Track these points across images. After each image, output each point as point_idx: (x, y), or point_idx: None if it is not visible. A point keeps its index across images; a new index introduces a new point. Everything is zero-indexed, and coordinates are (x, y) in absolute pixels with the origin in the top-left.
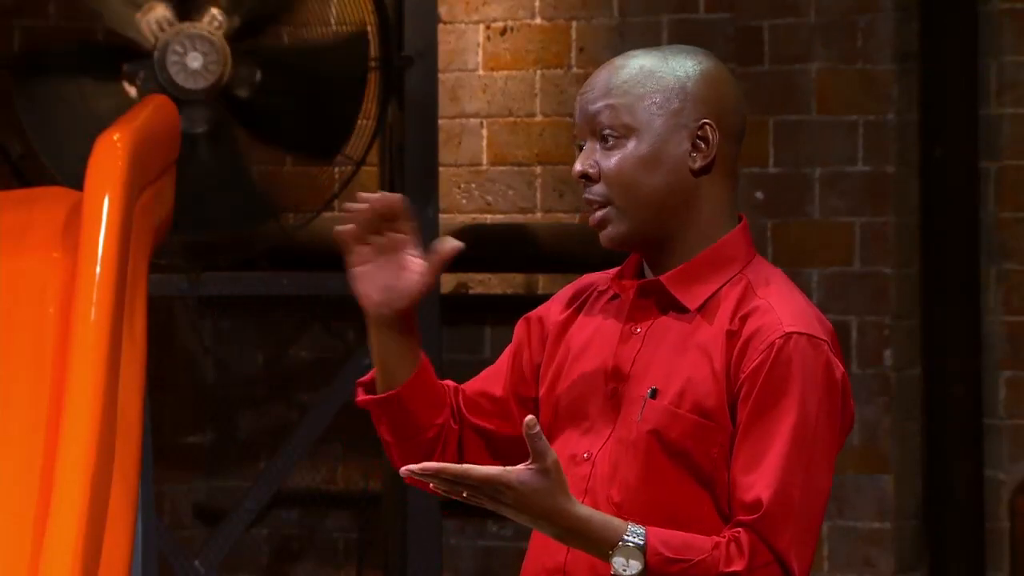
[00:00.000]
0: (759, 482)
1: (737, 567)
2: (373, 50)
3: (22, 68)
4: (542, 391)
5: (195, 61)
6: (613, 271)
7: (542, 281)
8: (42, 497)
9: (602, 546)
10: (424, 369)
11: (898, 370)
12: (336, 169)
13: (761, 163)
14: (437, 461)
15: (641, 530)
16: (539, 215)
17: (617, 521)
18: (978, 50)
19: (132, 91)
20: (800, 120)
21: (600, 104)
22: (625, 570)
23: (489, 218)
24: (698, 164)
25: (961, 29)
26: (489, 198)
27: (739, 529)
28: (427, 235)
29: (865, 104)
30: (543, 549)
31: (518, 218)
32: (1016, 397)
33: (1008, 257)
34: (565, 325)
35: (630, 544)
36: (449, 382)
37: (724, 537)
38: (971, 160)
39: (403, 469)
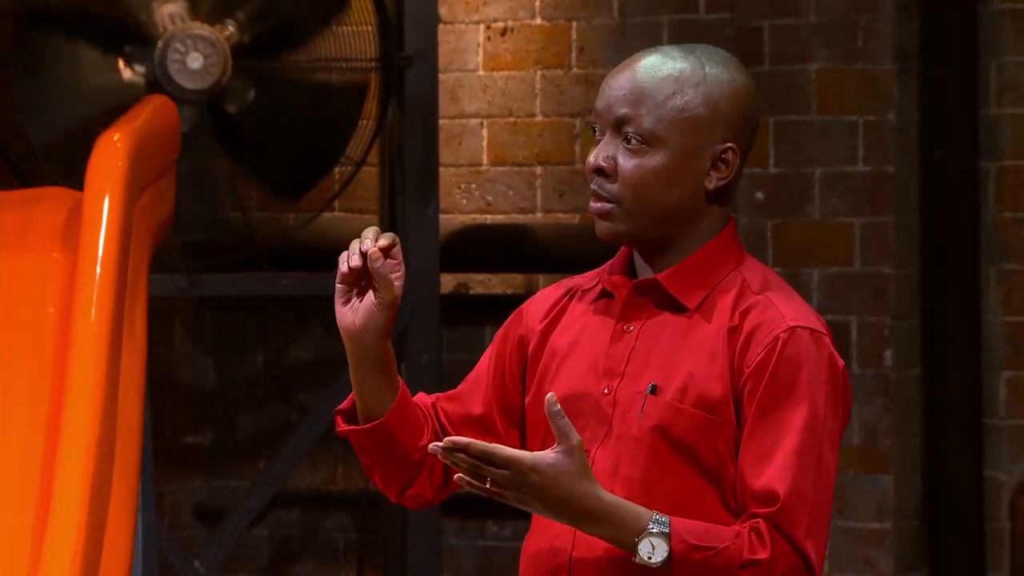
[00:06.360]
0: (773, 475)
1: (761, 555)
2: (373, 50)
3: (23, 18)
4: (528, 397)
5: (195, 62)
6: (594, 272)
7: (542, 281)
8: (42, 497)
9: (627, 532)
10: (404, 394)
11: (898, 370)
12: (336, 169)
13: (761, 163)
14: (424, 485)
15: (665, 518)
16: (539, 215)
17: (641, 508)
18: (978, 50)
19: (128, 74)
20: (800, 120)
21: (628, 106)
22: (651, 557)
23: (489, 218)
24: (714, 184)
25: (961, 29)
26: (489, 198)
27: (757, 520)
28: (427, 235)
29: (865, 104)
30: (546, 549)
31: (518, 218)
32: (1016, 397)
33: (1008, 257)
34: (547, 329)
35: (655, 531)
36: (422, 397)
37: (744, 527)
38: (971, 160)
39: (431, 446)
